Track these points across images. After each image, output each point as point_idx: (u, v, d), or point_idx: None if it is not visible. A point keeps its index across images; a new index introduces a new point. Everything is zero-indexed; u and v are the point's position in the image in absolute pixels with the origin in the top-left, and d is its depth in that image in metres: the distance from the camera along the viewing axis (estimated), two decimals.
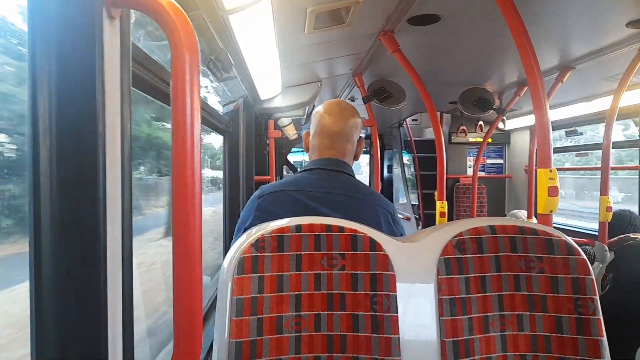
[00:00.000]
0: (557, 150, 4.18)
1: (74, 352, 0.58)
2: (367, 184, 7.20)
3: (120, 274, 0.66)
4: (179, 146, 0.57)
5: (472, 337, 0.93)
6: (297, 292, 0.92)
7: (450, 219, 4.09)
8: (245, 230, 1.11)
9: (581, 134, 3.61)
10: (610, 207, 2.30)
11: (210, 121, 1.84)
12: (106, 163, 0.60)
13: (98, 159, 0.59)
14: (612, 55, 2.09)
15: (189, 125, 0.58)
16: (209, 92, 2.28)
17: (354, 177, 1.29)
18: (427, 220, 4.75)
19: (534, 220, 3.32)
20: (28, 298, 0.58)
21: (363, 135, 1.41)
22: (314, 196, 1.18)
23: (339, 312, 0.93)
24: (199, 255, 0.59)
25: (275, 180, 2.63)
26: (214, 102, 2.35)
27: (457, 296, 0.94)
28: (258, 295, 0.90)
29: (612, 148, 2.34)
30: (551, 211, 1.30)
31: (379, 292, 0.93)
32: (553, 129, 1.33)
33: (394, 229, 1.23)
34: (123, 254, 0.66)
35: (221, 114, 2.14)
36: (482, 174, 4.74)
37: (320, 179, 1.22)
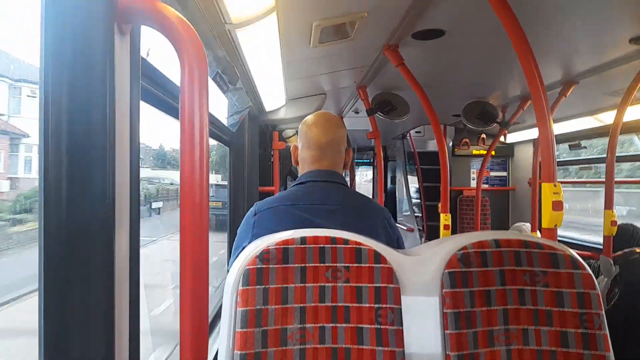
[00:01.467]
0: (561, 163, 4.17)
1: (81, 353, 0.58)
2: (371, 195, 7.21)
3: (128, 281, 0.66)
4: (187, 159, 0.58)
5: (478, 351, 0.92)
6: (302, 305, 0.92)
7: (453, 231, 4.08)
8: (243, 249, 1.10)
9: (585, 147, 3.61)
10: (615, 221, 2.30)
11: (216, 133, 1.86)
12: (115, 175, 0.61)
13: (107, 171, 0.60)
14: (615, 70, 2.10)
15: (197, 139, 0.59)
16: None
17: (347, 186, 1.30)
18: (430, 232, 4.74)
19: (538, 233, 3.30)
20: None
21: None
22: (309, 208, 1.18)
23: (344, 325, 0.92)
24: (205, 267, 0.59)
25: (280, 190, 2.63)
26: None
27: (462, 310, 0.93)
28: (263, 307, 0.90)
29: (617, 162, 2.34)
30: (555, 225, 1.30)
31: (384, 305, 0.93)
32: (557, 143, 1.34)
33: (390, 234, 1.24)
34: (130, 262, 0.67)
35: (226, 125, 2.16)
36: (485, 186, 4.74)
37: (313, 191, 1.23)
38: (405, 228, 5.21)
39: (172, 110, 1.14)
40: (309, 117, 1.35)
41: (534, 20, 1.56)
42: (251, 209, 1.23)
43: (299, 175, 1.32)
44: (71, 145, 0.58)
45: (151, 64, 0.91)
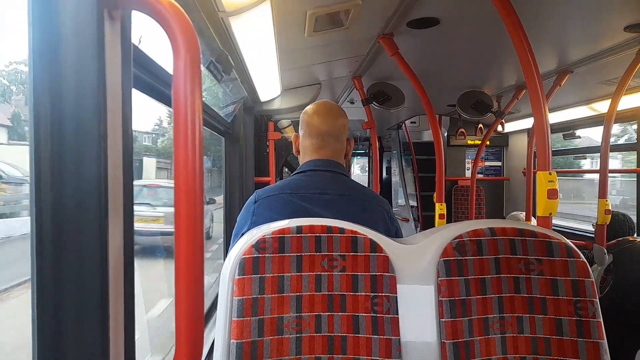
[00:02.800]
0: (556, 153, 4.19)
1: (76, 354, 0.58)
2: (367, 185, 7.22)
3: (122, 276, 0.66)
4: (181, 148, 0.57)
5: (472, 339, 0.93)
6: (298, 293, 0.92)
7: (448, 220, 4.10)
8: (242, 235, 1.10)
9: (579, 137, 3.62)
10: (609, 210, 2.31)
11: (211, 122, 1.85)
12: (108, 165, 0.60)
13: (100, 160, 0.59)
14: (610, 59, 2.10)
15: (190, 127, 0.58)
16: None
17: (348, 177, 1.29)
18: (425, 222, 4.76)
19: (533, 222, 3.33)
20: None
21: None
22: (308, 198, 1.18)
23: (340, 313, 0.93)
24: (200, 256, 0.59)
25: (275, 181, 2.63)
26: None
27: (457, 298, 0.94)
28: (259, 296, 0.90)
29: (611, 151, 2.35)
30: (550, 214, 1.30)
31: (380, 294, 0.94)
32: (551, 132, 1.34)
33: (390, 227, 1.24)
34: (125, 256, 0.66)
35: (221, 115, 2.15)
36: (480, 176, 4.76)
37: (314, 180, 1.23)
38: (400, 218, 5.23)
39: (164, 98, 1.13)
40: (310, 106, 1.34)
41: (529, 8, 1.55)
42: (251, 196, 1.22)
43: (299, 164, 1.32)
44: (63, 135, 0.57)
45: (143, 51, 0.90)
